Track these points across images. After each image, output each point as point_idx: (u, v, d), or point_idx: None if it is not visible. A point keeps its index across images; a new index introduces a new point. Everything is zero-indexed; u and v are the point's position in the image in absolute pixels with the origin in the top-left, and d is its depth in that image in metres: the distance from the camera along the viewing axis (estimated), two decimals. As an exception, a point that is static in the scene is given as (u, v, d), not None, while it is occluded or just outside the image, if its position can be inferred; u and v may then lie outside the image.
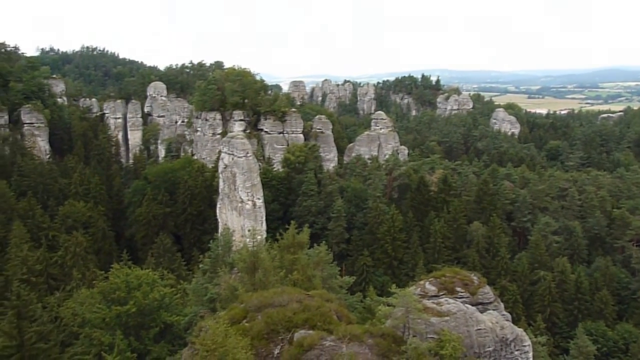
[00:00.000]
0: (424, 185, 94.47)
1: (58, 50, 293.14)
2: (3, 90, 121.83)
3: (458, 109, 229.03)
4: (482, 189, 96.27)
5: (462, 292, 27.23)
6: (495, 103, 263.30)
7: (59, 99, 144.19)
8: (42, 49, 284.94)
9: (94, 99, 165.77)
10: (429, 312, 23.40)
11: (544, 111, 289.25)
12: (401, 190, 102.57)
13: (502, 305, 28.92)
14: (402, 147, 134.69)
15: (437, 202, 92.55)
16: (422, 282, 28.30)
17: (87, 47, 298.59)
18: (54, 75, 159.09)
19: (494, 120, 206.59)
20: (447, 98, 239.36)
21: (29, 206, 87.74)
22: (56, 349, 42.86)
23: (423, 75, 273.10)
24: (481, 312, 25.83)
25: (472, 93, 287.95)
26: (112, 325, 41.17)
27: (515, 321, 36.94)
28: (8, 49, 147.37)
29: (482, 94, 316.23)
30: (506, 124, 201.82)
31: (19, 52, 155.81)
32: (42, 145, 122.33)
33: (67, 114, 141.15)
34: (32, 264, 63.43)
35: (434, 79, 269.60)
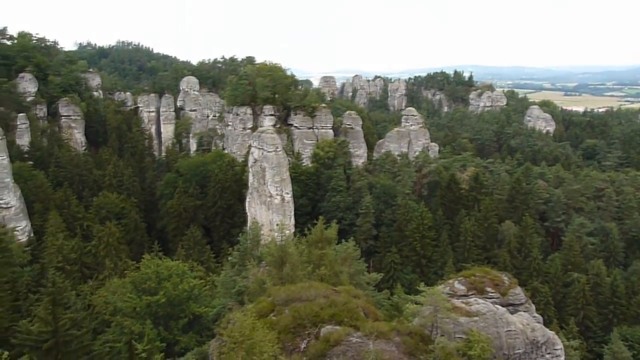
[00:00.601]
0: (455, 182, 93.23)
1: (95, 45, 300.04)
2: (42, 84, 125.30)
3: (491, 106, 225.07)
4: (514, 188, 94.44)
5: (492, 293, 26.77)
6: (530, 100, 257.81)
7: (95, 93, 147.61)
8: (80, 44, 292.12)
9: (128, 93, 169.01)
10: (457, 312, 23.06)
11: (580, 109, 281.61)
12: (431, 188, 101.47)
13: (533, 307, 28.33)
14: (433, 144, 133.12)
15: (467, 200, 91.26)
16: (451, 281, 27.92)
17: (123, 42, 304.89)
18: (91, 69, 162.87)
19: (528, 118, 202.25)
20: (480, 94, 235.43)
21: (65, 196, 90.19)
22: (88, 336, 43.94)
23: (455, 71, 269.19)
24: (511, 313, 25.34)
25: (505, 90, 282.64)
26: (143, 315, 41.99)
27: (547, 324, 36.11)
28: (48, 43, 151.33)
29: (516, 90, 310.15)
30: (541, 122, 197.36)
31: (58, 46, 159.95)
32: (78, 137, 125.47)
33: (103, 107, 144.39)
34: (67, 253, 65.20)
35: (466, 75, 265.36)
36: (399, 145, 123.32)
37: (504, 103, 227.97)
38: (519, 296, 27.36)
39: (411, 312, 24.59)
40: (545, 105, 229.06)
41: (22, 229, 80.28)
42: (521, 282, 33.37)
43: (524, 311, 26.56)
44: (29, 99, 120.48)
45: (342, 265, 37.19)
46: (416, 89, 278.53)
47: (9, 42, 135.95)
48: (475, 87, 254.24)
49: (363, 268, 42.15)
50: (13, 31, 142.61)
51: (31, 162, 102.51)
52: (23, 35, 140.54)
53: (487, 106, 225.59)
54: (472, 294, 26.22)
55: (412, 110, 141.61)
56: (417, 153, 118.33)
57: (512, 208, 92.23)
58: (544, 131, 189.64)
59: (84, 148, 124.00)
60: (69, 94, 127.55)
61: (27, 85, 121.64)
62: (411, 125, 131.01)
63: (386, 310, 37.54)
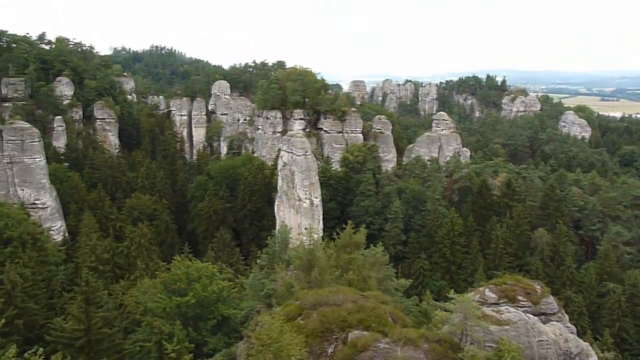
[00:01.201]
0: (486, 188, 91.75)
1: (129, 49, 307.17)
2: (78, 87, 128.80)
3: (524, 111, 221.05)
4: (548, 195, 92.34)
5: (523, 301, 26.18)
6: (565, 105, 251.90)
7: (128, 96, 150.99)
8: (115, 48, 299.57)
9: (161, 97, 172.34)
10: (488, 320, 22.61)
11: (618, 114, 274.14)
12: (462, 194, 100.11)
13: (566, 317, 27.59)
14: (464, 149, 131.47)
15: (499, 207, 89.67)
16: (481, 288, 27.43)
17: (156, 47, 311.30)
18: (125, 73, 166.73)
19: (563, 123, 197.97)
20: (513, 99, 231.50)
21: (98, 197, 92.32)
22: (120, 335, 44.72)
23: (488, 76, 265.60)
24: (544, 322, 24.72)
25: (540, 94, 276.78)
26: (172, 315, 42.54)
27: (581, 335, 35.13)
28: (84, 48, 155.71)
29: (550, 95, 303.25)
30: (576, 127, 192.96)
31: (94, 51, 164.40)
32: (112, 139, 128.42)
33: (136, 110, 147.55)
34: (100, 253, 66.59)
35: (499, 79, 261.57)
36: (430, 150, 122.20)
37: (538, 108, 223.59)
38: (552, 305, 26.69)
39: (440, 320, 24.21)
40: (581, 110, 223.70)
41: (57, 229, 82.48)
42: (554, 291, 32.54)
43: (557, 321, 25.89)
44: (65, 102, 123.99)
45: (371, 270, 36.94)
46: (447, 93, 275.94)
47: (47, 47, 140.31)
48: (508, 91, 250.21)
49: (391, 273, 41.79)
50: (51, 36, 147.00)
51: (67, 164, 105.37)
52: (61, 40, 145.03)
53: (521, 111, 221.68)
54: (503, 302, 25.70)
55: (443, 114, 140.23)
56: (447, 158, 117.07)
57: (545, 215, 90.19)
58: (580, 137, 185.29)
59: (117, 150, 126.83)
60: (103, 98, 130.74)
61: (64, 88, 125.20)
62: (442, 130, 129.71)
63: (414, 316, 37.09)
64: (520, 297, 26.35)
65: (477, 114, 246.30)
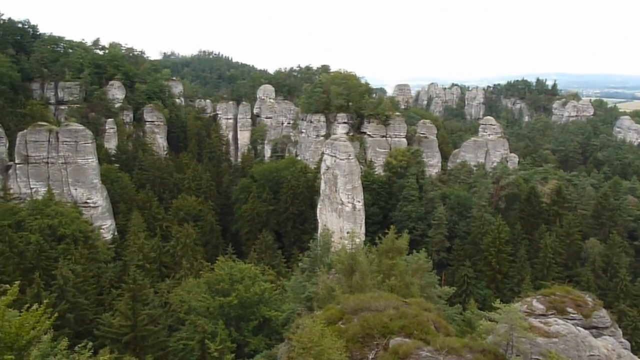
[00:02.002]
0: (535, 196, 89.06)
1: (178, 54, 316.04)
2: (129, 91, 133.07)
3: (576, 116, 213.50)
4: (601, 203, 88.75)
5: (573, 314, 25.15)
6: (620, 110, 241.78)
7: (177, 100, 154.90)
8: (165, 53, 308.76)
9: (208, 100, 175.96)
10: (535, 332, 21.84)
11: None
12: (509, 201, 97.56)
13: (619, 331, 26.32)
14: (512, 154, 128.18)
15: (548, 215, 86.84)
16: (528, 299, 26.54)
17: (204, 52, 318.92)
18: (174, 78, 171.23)
19: (618, 129, 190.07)
20: (564, 104, 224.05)
21: (147, 198, 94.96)
22: (164, 332, 45.76)
23: (538, 79, 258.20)
24: (595, 336, 23.67)
25: (593, 99, 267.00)
26: (215, 315, 43.18)
27: (635, 351, 33.54)
28: (135, 53, 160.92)
29: (604, 99, 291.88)
30: (632, 133, 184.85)
31: (145, 56, 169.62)
32: (160, 142, 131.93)
33: (184, 113, 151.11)
34: (147, 252, 68.42)
35: (550, 83, 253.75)
36: (476, 156, 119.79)
37: (591, 113, 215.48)
38: (604, 319, 25.52)
39: (485, 329, 23.57)
40: (638, 115, 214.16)
41: (107, 228, 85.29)
42: (606, 304, 31.21)
43: (609, 335, 24.74)
44: (117, 105, 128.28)
45: (413, 276, 36.43)
46: (495, 97, 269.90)
47: (101, 52, 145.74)
48: (560, 95, 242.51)
49: (434, 281, 41.11)
50: (105, 42, 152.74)
51: (117, 165, 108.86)
52: (114, 46, 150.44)
53: (572, 116, 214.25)
54: (551, 314, 24.77)
55: (490, 119, 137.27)
56: (494, 164, 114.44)
57: (597, 225, 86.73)
58: (636, 143, 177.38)
59: (165, 152, 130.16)
60: (153, 101, 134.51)
61: (116, 92, 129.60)
62: (489, 134, 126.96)
63: (458, 325, 36.33)
64: (570, 309, 25.34)
65: (526, 118, 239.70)
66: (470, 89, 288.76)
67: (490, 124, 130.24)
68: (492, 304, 23.25)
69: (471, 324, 36.36)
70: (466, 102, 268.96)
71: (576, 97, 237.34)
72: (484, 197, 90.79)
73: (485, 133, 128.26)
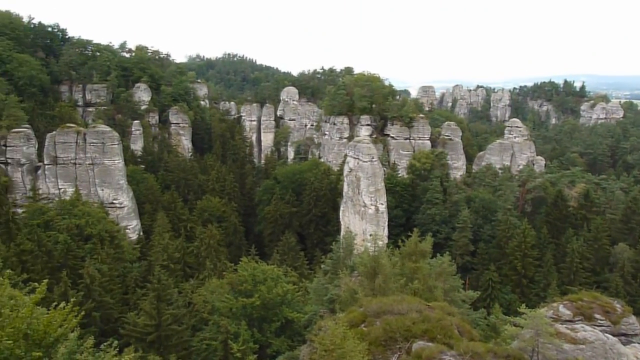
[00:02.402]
0: (562, 199, 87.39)
1: (203, 57, 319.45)
2: (155, 93, 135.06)
3: (605, 118, 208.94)
4: (630, 207, 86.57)
5: (601, 320, 24.55)
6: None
7: (202, 102, 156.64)
8: (190, 56, 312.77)
9: (232, 102, 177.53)
10: (561, 338, 21.39)
11: None
12: (535, 204, 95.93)
13: (650, 339, 25.60)
14: (539, 157, 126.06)
15: (576, 219, 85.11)
16: (555, 304, 26.02)
17: (229, 54, 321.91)
18: (199, 80, 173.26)
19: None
20: (592, 106, 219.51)
21: (172, 199, 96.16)
22: (188, 332, 46.22)
23: (565, 81, 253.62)
24: (624, 344, 23.06)
25: (623, 101, 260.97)
26: (238, 316, 43.43)
27: (667, 359, 32.50)
28: (161, 56, 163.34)
29: (635, 102, 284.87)
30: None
31: (170, 58, 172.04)
32: (185, 143, 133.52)
33: (209, 115, 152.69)
34: (172, 252, 69.24)
35: (578, 84, 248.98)
36: (501, 158, 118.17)
37: (621, 115, 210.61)
38: (634, 326, 24.85)
39: (510, 335, 23.21)
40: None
41: (132, 228, 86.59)
42: (636, 311, 30.34)
43: (639, 343, 24.09)
44: (143, 107, 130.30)
45: (437, 280, 36.06)
46: (521, 99, 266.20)
47: (127, 55, 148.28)
48: (588, 97, 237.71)
49: (458, 284, 40.62)
50: (132, 45, 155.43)
51: (143, 166, 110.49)
52: (140, 49, 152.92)
53: (601, 118, 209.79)
54: (578, 320, 24.23)
55: (516, 121, 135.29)
56: (520, 167, 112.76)
57: (627, 229, 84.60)
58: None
59: (190, 154, 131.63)
60: (178, 103, 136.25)
61: (142, 94, 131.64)
62: (515, 137, 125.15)
63: (482, 330, 35.83)
64: (597, 316, 24.76)
65: (553, 121, 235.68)
66: (495, 90, 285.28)
67: (517, 126, 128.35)
68: (518, 309, 22.89)
69: (496, 329, 35.84)
70: (492, 104, 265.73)
71: (605, 99, 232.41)
72: (509, 201, 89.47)
73: (511, 135, 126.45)
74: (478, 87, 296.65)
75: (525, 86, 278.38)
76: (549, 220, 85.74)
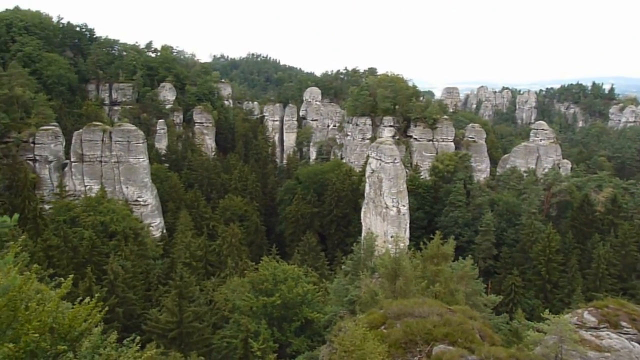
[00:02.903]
0: (589, 204, 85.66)
1: (227, 57, 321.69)
2: (180, 93, 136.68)
3: (635, 122, 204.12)
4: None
5: (628, 328, 23.95)
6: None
7: (225, 102, 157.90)
8: (214, 56, 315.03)
9: (255, 102, 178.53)
10: (586, 345, 20.95)
11: None
12: (561, 208, 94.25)
13: (680, 349, 24.90)
14: (565, 160, 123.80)
15: (602, 224, 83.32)
16: (579, 310, 25.49)
17: (253, 54, 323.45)
18: (223, 80, 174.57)
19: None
20: (621, 109, 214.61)
21: (195, 197, 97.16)
22: (209, 330, 46.59)
23: (594, 83, 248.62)
24: (651, 353, 22.48)
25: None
26: (259, 314, 43.63)
27: (696, 369, 31.59)
28: (186, 56, 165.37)
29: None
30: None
31: (195, 58, 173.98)
32: (209, 143, 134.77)
33: (232, 115, 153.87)
34: (194, 250, 69.94)
35: (606, 87, 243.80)
36: (526, 161, 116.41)
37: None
38: (662, 335, 24.22)
39: (532, 340, 22.80)
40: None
41: (156, 225, 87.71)
42: (665, 320, 29.57)
43: (668, 352, 23.45)
44: (167, 107, 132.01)
45: (458, 283, 35.68)
46: (547, 101, 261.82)
47: (153, 55, 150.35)
48: (617, 100, 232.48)
49: (481, 288, 40.12)
50: (157, 44, 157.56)
51: (167, 165, 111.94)
52: (165, 48, 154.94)
53: (630, 122, 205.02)
54: (603, 327, 23.69)
55: (542, 123, 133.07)
56: (546, 170, 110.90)
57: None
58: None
59: (213, 153, 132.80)
60: (202, 103, 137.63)
61: (167, 94, 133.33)
62: (540, 140, 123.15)
63: (504, 335, 35.32)
64: (624, 323, 24.17)
65: (580, 123, 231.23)
66: (521, 92, 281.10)
67: (542, 129, 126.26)
68: (541, 314, 22.53)
69: (518, 334, 35.30)
70: (517, 106, 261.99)
71: (635, 101, 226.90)
72: (534, 204, 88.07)
73: (536, 138, 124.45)
74: (503, 88, 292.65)
75: (552, 88, 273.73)
76: (575, 225, 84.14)
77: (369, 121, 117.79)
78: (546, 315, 21.62)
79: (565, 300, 68.32)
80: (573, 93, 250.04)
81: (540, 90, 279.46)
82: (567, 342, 20.13)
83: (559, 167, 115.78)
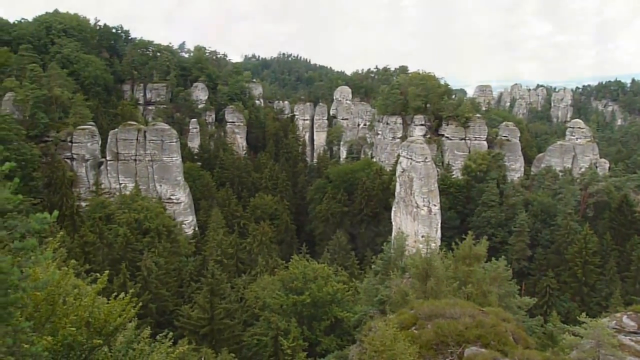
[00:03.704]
0: (628, 205, 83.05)
1: (258, 56, 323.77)
2: (212, 92, 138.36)
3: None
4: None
5: (670, 333, 23.13)
6: None
7: (257, 101, 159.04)
8: (246, 56, 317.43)
9: (286, 102, 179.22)
10: (625, 350, 20.31)
11: None
12: (598, 209, 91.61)
13: None
14: (602, 160, 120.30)
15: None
16: (618, 314, 24.75)
17: (283, 54, 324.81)
18: (254, 80, 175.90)
19: None
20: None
21: (226, 196, 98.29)
22: (239, 327, 47.06)
23: (633, 80, 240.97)
24: (695, 359, 21.62)
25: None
26: (288, 313, 43.82)
27: None
28: (218, 56, 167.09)
29: None
30: None
31: (227, 58, 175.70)
32: (240, 142, 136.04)
33: (263, 114, 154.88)
34: (225, 248, 70.76)
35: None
36: (562, 160, 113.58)
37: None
38: None
39: (568, 344, 22.26)
40: None
41: (188, 223, 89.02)
42: None
43: None
44: (200, 106, 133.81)
45: (491, 285, 35.06)
46: (584, 99, 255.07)
47: (186, 55, 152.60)
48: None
49: (514, 290, 39.36)
50: (190, 45, 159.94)
51: (199, 163, 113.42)
52: (199, 49, 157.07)
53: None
54: (644, 332, 22.93)
55: (578, 122, 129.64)
56: (582, 169, 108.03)
57: (699, 238, 79.50)
58: None
59: (244, 152, 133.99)
60: (234, 102, 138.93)
61: (200, 93, 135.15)
62: (577, 138, 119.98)
63: (538, 338, 34.60)
64: (665, 328, 23.35)
65: (619, 122, 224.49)
66: (557, 90, 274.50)
67: (579, 127, 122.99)
68: (577, 317, 21.97)
69: (553, 338, 34.52)
70: (552, 104, 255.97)
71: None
72: (570, 205, 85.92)
73: (573, 137, 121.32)
74: (538, 86, 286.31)
75: (589, 86, 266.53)
76: (613, 226, 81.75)
77: (399, 120, 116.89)
78: (583, 318, 21.07)
79: (602, 304, 66.57)
80: (611, 90, 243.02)
81: (577, 88, 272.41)
82: (605, 347, 19.57)
83: (596, 167, 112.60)
